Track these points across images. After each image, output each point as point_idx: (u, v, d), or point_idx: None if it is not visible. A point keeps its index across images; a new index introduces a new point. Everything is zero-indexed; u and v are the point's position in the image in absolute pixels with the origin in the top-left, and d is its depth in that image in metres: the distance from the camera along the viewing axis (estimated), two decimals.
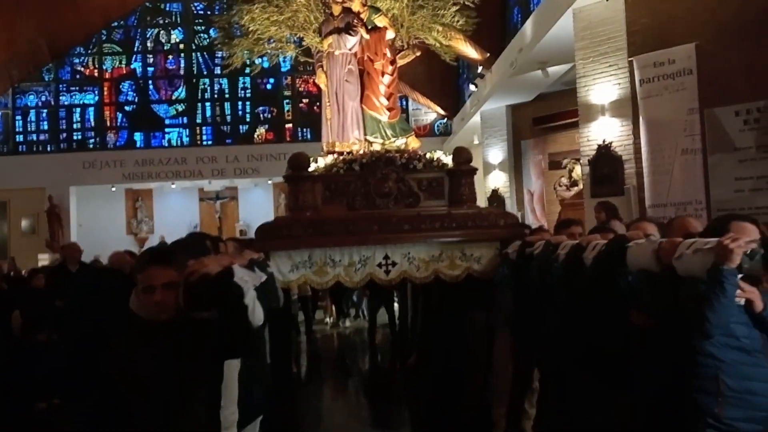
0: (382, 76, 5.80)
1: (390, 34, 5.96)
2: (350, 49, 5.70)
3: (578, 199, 9.65)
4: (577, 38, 8.09)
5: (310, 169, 5.26)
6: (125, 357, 2.16)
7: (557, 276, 3.52)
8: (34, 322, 6.60)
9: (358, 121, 5.71)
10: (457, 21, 6.45)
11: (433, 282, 5.20)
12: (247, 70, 7.64)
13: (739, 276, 2.22)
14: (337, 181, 5.25)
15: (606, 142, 7.84)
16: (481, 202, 13.45)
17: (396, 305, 9.12)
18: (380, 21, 5.87)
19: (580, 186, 9.72)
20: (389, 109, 5.80)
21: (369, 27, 5.83)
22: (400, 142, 5.78)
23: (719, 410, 2.31)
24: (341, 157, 5.37)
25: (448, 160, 5.39)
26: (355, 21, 5.71)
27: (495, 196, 13.27)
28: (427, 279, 5.13)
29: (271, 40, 6.68)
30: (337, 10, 5.77)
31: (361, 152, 5.48)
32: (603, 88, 7.89)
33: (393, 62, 5.91)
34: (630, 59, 7.61)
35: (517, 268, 4.35)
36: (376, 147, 5.66)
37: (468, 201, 5.29)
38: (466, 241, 5.08)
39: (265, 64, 7.72)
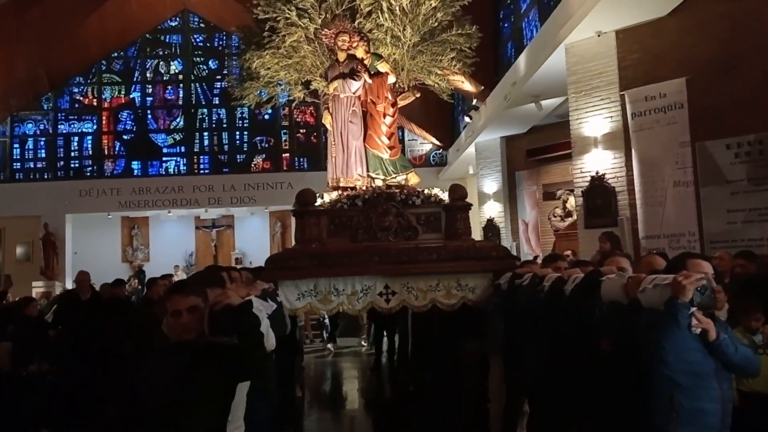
0: (384, 117, 6.14)
1: (391, 79, 6.32)
2: (354, 93, 6.06)
3: (572, 230, 9.71)
4: (570, 72, 8.27)
5: (316, 204, 5.54)
6: (150, 370, 2.41)
7: (541, 306, 3.79)
8: (26, 352, 6.52)
9: (361, 158, 6.05)
10: (455, 65, 6.75)
11: (429, 311, 5.39)
12: (269, 111, 7.93)
13: (693, 309, 2.47)
14: (341, 215, 5.55)
15: (599, 174, 7.95)
16: (476, 231, 13.65)
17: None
18: (382, 67, 6.24)
19: (574, 217, 9.79)
20: (390, 148, 6.14)
21: (372, 72, 6.18)
22: (400, 178, 6.09)
23: (673, 428, 2.51)
24: (345, 193, 5.69)
25: (444, 196, 5.69)
26: (359, 67, 6.07)
27: (490, 226, 13.36)
28: (425, 307, 5.36)
29: (281, 83, 6.99)
30: (342, 56, 6.15)
31: (364, 188, 5.80)
32: (595, 121, 8.03)
33: (394, 104, 6.26)
34: (621, 93, 7.78)
35: (508, 298, 4.57)
36: (378, 183, 5.99)
37: (463, 234, 5.55)
38: (461, 272, 5.32)
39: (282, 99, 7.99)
